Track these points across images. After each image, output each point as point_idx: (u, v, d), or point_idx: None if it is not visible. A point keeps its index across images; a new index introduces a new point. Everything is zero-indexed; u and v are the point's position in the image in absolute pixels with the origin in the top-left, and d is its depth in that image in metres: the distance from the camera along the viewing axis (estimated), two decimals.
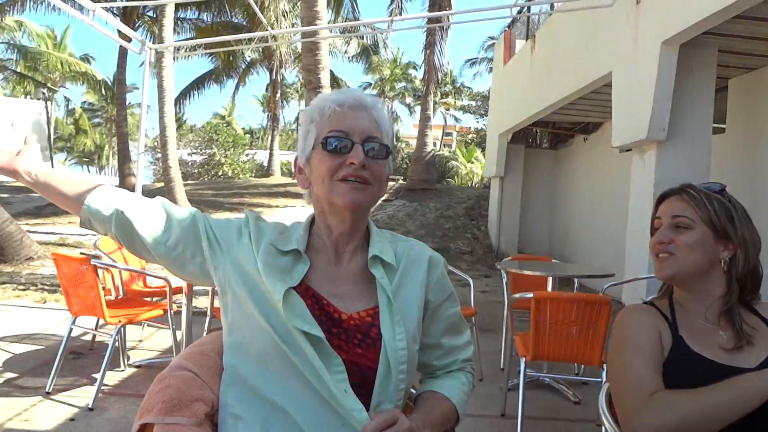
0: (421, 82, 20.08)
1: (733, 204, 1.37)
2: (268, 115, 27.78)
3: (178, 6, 14.84)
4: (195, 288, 4.48)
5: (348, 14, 19.20)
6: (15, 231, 8.08)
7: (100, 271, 3.48)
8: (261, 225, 1.28)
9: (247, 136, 38.34)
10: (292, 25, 16.67)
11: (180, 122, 29.15)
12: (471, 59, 32.98)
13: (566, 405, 3.63)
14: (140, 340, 4.62)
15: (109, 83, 24.12)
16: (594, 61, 5.99)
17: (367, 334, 1.16)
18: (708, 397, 1.18)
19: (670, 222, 1.37)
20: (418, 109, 32.39)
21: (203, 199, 14.55)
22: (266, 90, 28.43)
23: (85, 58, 31.32)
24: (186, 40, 16.65)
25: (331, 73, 16.83)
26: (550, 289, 3.93)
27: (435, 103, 24.70)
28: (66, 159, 43.16)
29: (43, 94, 22.49)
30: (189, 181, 18.24)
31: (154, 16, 15.39)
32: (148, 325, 4.70)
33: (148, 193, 12.76)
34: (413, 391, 1.34)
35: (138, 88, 34.55)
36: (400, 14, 15.07)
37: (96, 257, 3.59)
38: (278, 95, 23.25)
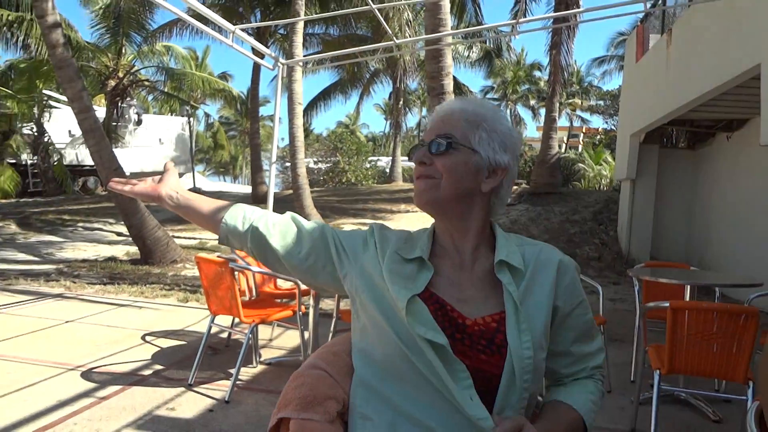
0: (546, 83, 19.52)
1: None
2: (390, 123, 28.35)
3: (306, 22, 15.57)
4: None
5: (471, 19, 19.11)
6: (162, 236, 8.87)
7: (236, 273, 3.73)
8: (386, 234, 1.31)
9: (370, 143, 39.34)
10: (416, 34, 16.87)
11: (307, 132, 30.49)
12: (599, 57, 31.63)
13: (705, 423, 3.37)
14: (270, 339, 4.89)
15: (244, 98, 25.78)
16: (739, 53, 5.51)
17: (492, 340, 1.15)
18: None
19: None
20: (542, 111, 31.50)
21: (328, 205, 15.11)
22: (389, 98, 29.01)
23: (223, 76, 33.71)
24: (314, 54, 17.42)
25: (454, 78, 16.82)
26: (688, 298, 3.66)
27: (560, 104, 23.89)
28: (204, 170, 46.72)
29: (187, 111, 24.52)
30: (315, 188, 19.02)
31: (285, 33, 16.26)
32: (278, 325, 4.97)
33: (279, 200, 13.49)
34: (540, 399, 1.31)
35: (269, 102, 36.63)
36: (525, 15, 14.76)
37: (233, 260, 3.86)
38: (401, 103, 23.63)
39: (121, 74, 19.20)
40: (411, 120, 38.69)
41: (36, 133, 18.31)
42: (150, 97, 25.38)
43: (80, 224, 13.01)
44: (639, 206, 10.01)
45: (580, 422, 1.23)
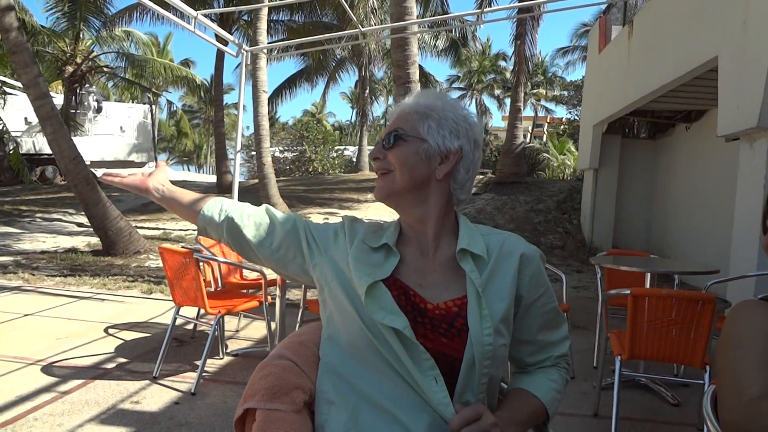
0: (511, 73, 19.69)
1: None
2: (357, 112, 28.25)
3: (271, 9, 15.35)
4: (288, 281, 4.65)
5: (437, 8, 19.13)
6: (125, 227, 8.69)
7: (201, 263, 3.68)
8: (356, 226, 1.35)
9: (337, 132, 39.17)
10: (381, 22, 16.81)
11: (273, 120, 30.17)
12: (563, 48, 32.03)
13: (664, 407, 3.47)
14: (237, 330, 4.85)
15: (207, 86, 25.36)
16: (698, 45, 5.65)
17: (452, 324, 1.17)
18: None
19: None
20: (507, 101, 31.81)
21: (295, 194, 15.02)
22: (355, 87, 28.89)
23: (186, 63, 33.09)
24: (279, 41, 17.20)
25: (420, 67, 16.84)
26: (648, 285, 3.76)
27: (525, 94, 24.15)
28: (168, 159, 45.88)
29: (149, 98, 23.98)
30: (281, 178, 18.89)
31: (249, 19, 16.02)
32: (244, 316, 4.94)
33: (244, 189, 13.39)
34: (504, 386, 1.33)
35: (234, 89, 36.20)
36: (490, 5, 14.83)
37: (197, 251, 3.81)
38: (367, 91, 23.56)
39: (79, 60, 18.62)
40: (377, 109, 38.69)
41: None
42: (110, 84, 24.71)
43: (38, 215, 12.65)
44: (601, 195, 10.22)
45: (543, 410, 1.25)
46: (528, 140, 27.08)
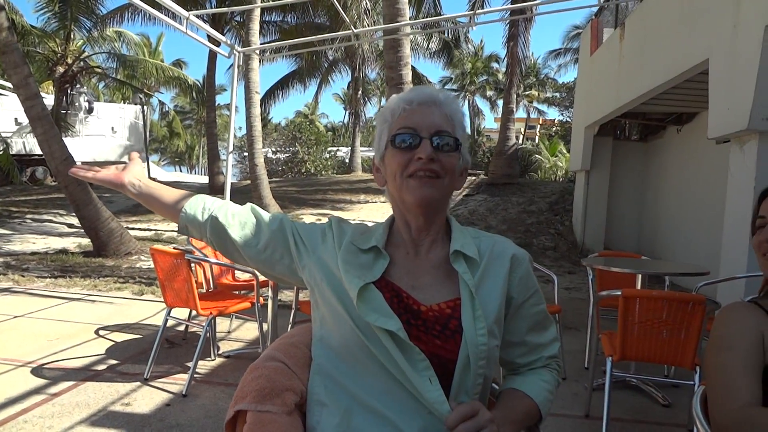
0: (504, 75, 19.73)
1: None
2: (349, 113, 28.23)
3: (263, 10, 15.33)
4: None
5: (429, 9, 19.15)
6: (116, 228, 8.65)
7: (192, 265, 3.67)
8: (343, 227, 1.33)
9: (329, 133, 39.12)
10: (374, 23, 16.82)
11: (265, 122, 30.11)
12: (555, 50, 32.12)
13: (655, 407, 3.49)
14: (229, 332, 4.83)
15: (200, 86, 25.28)
16: (689, 48, 5.69)
17: (446, 325, 1.16)
18: None
19: None
20: (499, 102, 31.89)
21: (287, 195, 14.99)
22: (348, 88, 28.87)
23: (178, 64, 32.95)
24: (272, 42, 17.17)
25: (413, 69, 16.84)
26: (639, 286, 3.77)
27: (518, 95, 24.21)
28: (159, 159, 45.70)
29: (140, 99, 23.87)
30: (274, 179, 18.84)
31: (242, 20, 15.97)
32: (236, 317, 4.92)
33: (236, 190, 13.34)
34: (495, 387, 1.33)
35: (226, 90, 36.11)
36: (483, 7, 14.87)
37: (189, 252, 3.80)
38: (360, 93, 23.55)
39: (69, 60, 18.50)
40: (370, 110, 38.62)
41: None
42: (101, 85, 24.63)
43: (29, 216, 12.56)
44: (593, 197, 10.26)
45: (536, 410, 1.25)
46: (520, 142, 27.15)
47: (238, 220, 1.34)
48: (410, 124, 1.20)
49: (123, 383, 3.56)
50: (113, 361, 3.99)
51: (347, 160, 25.01)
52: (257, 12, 11.64)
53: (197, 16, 5.14)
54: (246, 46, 10.90)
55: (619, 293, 2.86)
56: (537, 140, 30.09)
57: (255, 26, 11.40)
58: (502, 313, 1.23)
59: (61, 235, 10.74)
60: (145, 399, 3.33)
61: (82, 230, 8.85)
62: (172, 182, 21.30)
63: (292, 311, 4.11)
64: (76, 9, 16.55)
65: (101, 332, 4.69)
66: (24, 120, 14.99)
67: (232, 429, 1.20)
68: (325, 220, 1.37)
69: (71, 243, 9.75)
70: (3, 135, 18.16)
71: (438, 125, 1.20)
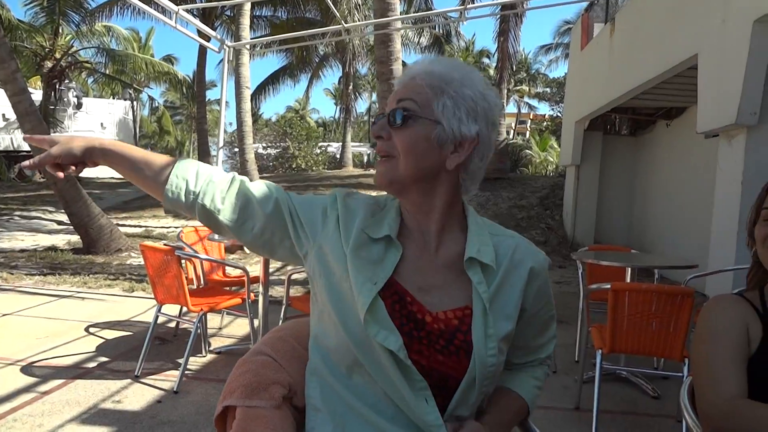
0: (495, 70, 19.79)
1: None
2: (340, 108, 28.18)
3: (254, 4, 15.25)
4: (271, 278, 4.64)
5: (420, 5, 19.12)
6: (106, 224, 8.59)
7: (183, 261, 3.65)
8: (351, 205, 1.16)
9: (320, 128, 39.03)
10: (365, 18, 16.77)
11: (256, 117, 30.00)
12: (546, 45, 32.31)
13: (644, 399, 3.52)
14: (220, 328, 4.82)
15: (190, 82, 25.13)
16: (679, 43, 5.71)
17: (451, 340, 1.07)
18: None
19: None
20: None
21: None
22: (339, 83, 28.82)
23: (168, 59, 32.72)
24: (262, 37, 17.10)
25: (404, 64, 16.80)
26: (628, 280, 3.80)
27: (508, 91, 24.24)
28: None
29: (130, 94, 23.69)
30: (264, 174, 18.79)
31: (232, 15, 15.89)
32: (227, 314, 4.91)
33: None
34: None
35: (216, 86, 35.91)
36: (473, 2, 14.86)
37: (179, 248, 3.78)
38: (351, 88, 23.52)
39: (58, 55, 18.33)
40: (361, 105, 38.59)
41: None
42: (90, 80, 24.41)
43: (17, 213, 12.44)
44: (583, 191, 10.31)
45: (526, 408, 1.24)
46: (511, 137, 27.23)
47: (229, 203, 1.16)
48: (384, 106, 1.11)
49: (114, 380, 3.55)
50: (104, 359, 3.97)
51: (338, 156, 25.00)
52: (248, 6, 11.59)
53: (187, 11, 5.12)
54: (236, 40, 10.85)
55: (609, 287, 2.88)
56: (528, 135, 30.16)
57: (245, 21, 11.34)
58: (513, 328, 1.13)
59: (50, 232, 10.66)
60: (136, 396, 3.32)
61: (72, 227, 8.79)
62: None
63: (283, 307, 4.10)
64: (65, 3, 16.46)
65: (91, 330, 4.66)
66: (11, 116, 14.87)
67: (222, 424, 1.19)
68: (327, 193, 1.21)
69: (60, 240, 9.68)
70: None
71: (398, 96, 1.08)
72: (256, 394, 1.16)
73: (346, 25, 5.74)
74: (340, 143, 25.25)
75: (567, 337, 4.56)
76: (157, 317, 3.75)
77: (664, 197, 9.09)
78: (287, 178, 18.24)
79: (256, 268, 3.71)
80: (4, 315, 5.02)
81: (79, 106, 20.82)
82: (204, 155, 17.64)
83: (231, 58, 6.99)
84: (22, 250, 8.73)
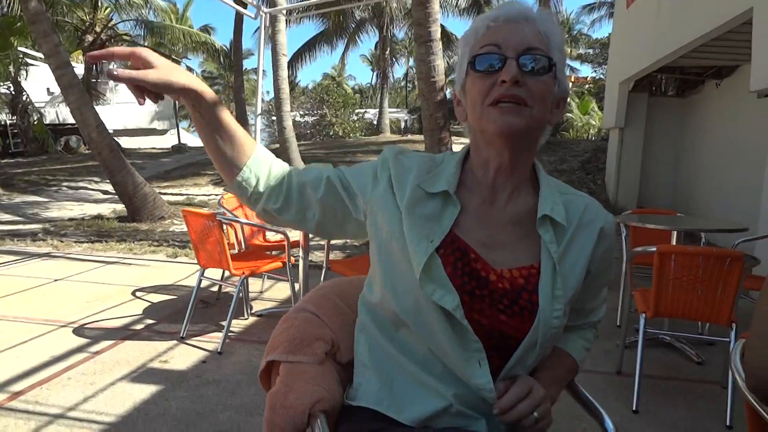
0: None
1: None
2: (377, 74, 27.92)
3: None
4: (311, 243, 4.68)
5: None
6: (149, 192, 8.79)
7: (224, 226, 3.71)
8: (404, 162, 1.12)
9: (357, 95, 38.84)
10: None
11: (293, 85, 30.00)
12: (589, 4, 31.10)
13: (688, 365, 3.45)
14: (261, 292, 4.91)
15: (227, 51, 25.21)
16: None
17: (516, 300, 1.04)
18: None
19: None
20: None
21: (316, 158, 15.01)
22: (375, 48, 28.50)
23: (205, 29, 32.86)
24: (299, 2, 17.01)
25: (442, 27, 16.45)
26: (674, 243, 3.70)
27: None
28: (189, 126, 45.97)
29: None
30: (302, 142, 18.86)
31: None
32: (268, 278, 4.99)
33: None
34: None
35: (253, 54, 36.01)
36: None
37: (221, 213, 3.83)
38: (387, 52, 23.25)
39: (98, 29, 18.64)
40: (398, 70, 38.20)
41: (13, 93, 17.83)
42: None
43: (64, 184, 12.85)
44: (627, 154, 10.03)
45: (575, 367, 1.23)
46: None
47: (286, 201, 1.14)
48: (494, 42, 1.00)
49: (160, 342, 3.67)
50: (150, 321, 4.10)
51: (375, 122, 24.88)
52: None
53: None
54: (272, 6, 10.80)
55: (654, 249, 2.81)
56: (569, 99, 29.41)
57: None
58: (579, 289, 1.10)
59: (96, 201, 10.99)
60: (182, 356, 3.42)
61: (117, 196, 9.03)
62: (201, 148, 21.44)
63: (323, 271, 4.15)
64: None
65: (137, 294, 4.81)
66: (56, 90, 15.22)
67: (266, 380, 1.22)
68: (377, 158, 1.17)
69: (106, 209, 9.97)
70: (36, 105, 18.49)
71: (528, 42, 0.99)
72: (300, 349, 1.18)
73: None
74: (377, 109, 25.10)
75: (609, 301, 4.46)
76: (200, 281, 3.84)
77: (712, 160, 8.77)
78: (325, 146, 18.30)
79: (296, 233, 3.74)
80: (55, 280, 5.22)
81: None
82: (242, 124, 17.41)
83: (267, 25, 6.96)
84: (71, 219, 9.03)
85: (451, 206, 1.07)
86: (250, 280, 4.45)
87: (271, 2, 11.42)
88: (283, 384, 1.14)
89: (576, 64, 37.83)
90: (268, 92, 27.49)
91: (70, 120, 17.89)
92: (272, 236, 4.77)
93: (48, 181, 13.05)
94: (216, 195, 10.95)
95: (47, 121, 19.13)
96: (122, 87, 16.64)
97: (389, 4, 19.54)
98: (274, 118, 15.31)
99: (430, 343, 1.04)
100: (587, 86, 27.18)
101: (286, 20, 12.89)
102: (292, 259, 3.94)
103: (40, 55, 10.72)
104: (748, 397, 1.19)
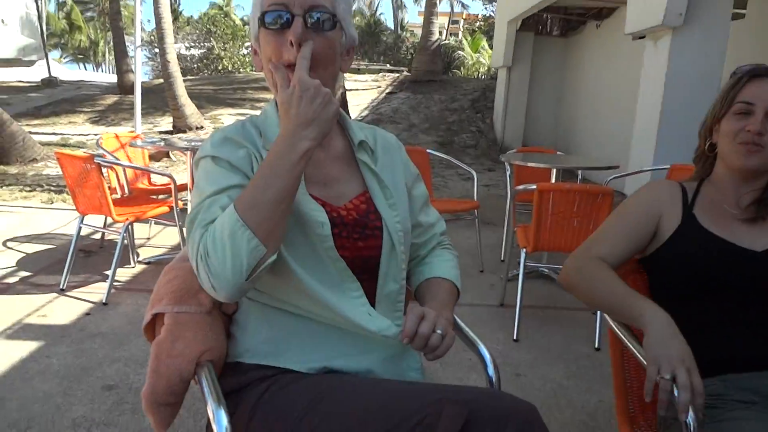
0: None
1: None
2: None
3: None
4: None
5: None
6: (17, 132, 8.02)
7: (104, 169, 3.49)
8: (231, 145, 1.09)
9: (246, 27, 37.07)
10: None
11: (176, 14, 28.05)
12: None
13: (563, 294, 3.72)
14: (148, 238, 4.71)
15: None
16: None
17: (366, 225, 1.13)
18: (609, 290, 1.24)
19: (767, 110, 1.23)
20: None
21: (203, 94, 14.30)
22: None
23: None
24: None
25: None
26: (553, 181, 3.93)
27: None
28: (61, 57, 41.99)
29: None
30: (188, 77, 17.83)
31: None
32: (156, 223, 4.79)
33: (149, 90, 12.66)
34: (408, 288, 1.35)
35: None
36: None
37: (99, 155, 3.59)
38: None
39: None
40: None
41: None
42: None
43: None
44: (514, 94, 10.38)
45: (455, 288, 1.28)
46: (444, 37, 26.74)
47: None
48: (281, 1, 1.03)
49: (38, 295, 3.44)
50: (25, 273, 3.83)
51: None
52: None
53: None
54: None
55: (534, 187, 2.97)
56: (460, 36, 29.72)
57: None
58: (407, 197, 1.24)
59: None
60: (63, 310, 3.24)
61: None
62: (77, 81, 19.80)
63: None
64: None
65: (10, 244, 4.45)
66: None
67: (152, 333, 1.19)
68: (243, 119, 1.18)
69: None
70: None
71: (312, 0, 1.04)
72: (185, 300, 1.15)
73: None
74: None
75: (494, 238, 4.73)
76: (80, 229, 3.61)
77: (590, 99, 9.29)
78: (213, 81, 17.43)
79: (183, 176, 3.59)
80: None
81: None
82: (121, 56, 16.45)
83: None
84: None
85: None
86: (137, 226, 4.24)
87: None
88: (169, 333, 1.12)
89: (467, 1, 38.18)
90: (149, 21, 25.57)
91: None
92: (158, 179, 4.55)
93: None
94: (95, 135, 10.18)
95: None
96: None
97: None
98: (156, 50, 14.31)
99: (309, 290, 1.06)
100: (478, 24, 27.56)
101: None
102: (180, 203, 3.79)
103: None
104: (608, 320, 1.33)
